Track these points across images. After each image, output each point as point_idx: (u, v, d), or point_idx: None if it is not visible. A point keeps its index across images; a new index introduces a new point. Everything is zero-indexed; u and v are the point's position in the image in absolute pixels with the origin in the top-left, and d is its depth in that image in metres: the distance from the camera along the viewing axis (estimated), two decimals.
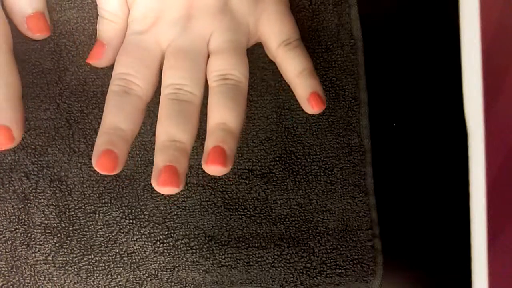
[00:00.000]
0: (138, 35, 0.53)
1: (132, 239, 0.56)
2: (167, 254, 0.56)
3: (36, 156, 0.55)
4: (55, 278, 0.55)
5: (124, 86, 0.51)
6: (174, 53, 0.52)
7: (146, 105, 0.52)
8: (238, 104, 0.50)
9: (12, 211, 0.55)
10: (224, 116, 0.50)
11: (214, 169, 0.49)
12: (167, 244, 0.56)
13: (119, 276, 0.56)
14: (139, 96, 0.51)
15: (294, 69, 0.53)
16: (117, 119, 0.50)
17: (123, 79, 0.51)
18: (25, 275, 0.55)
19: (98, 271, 0.56)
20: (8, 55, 0.52)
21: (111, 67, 0.55)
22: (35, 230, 0.55)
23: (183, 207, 0.56)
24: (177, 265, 0.56)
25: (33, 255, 0.55)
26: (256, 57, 0.56)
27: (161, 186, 0.48)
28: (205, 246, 0.56)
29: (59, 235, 0.55)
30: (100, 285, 0.56)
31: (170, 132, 0.49)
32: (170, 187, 0.48)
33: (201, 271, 0.56)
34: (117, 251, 0.56)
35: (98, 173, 0.55)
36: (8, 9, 0.54)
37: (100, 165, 0.49)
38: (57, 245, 0.55)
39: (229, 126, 0.49)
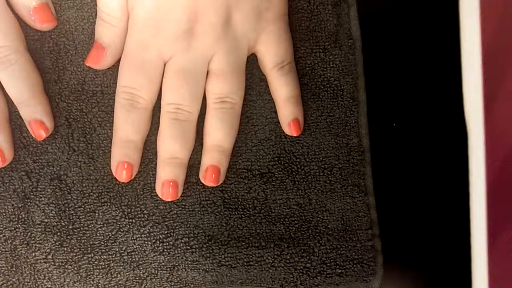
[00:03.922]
0: (140, 46, 0.54)
1: (132, 238, 0.56)
2: (167, 253, 0.56)
3: (37, 155, 0.56)
4: (55, 277, 0.56)
5: (130, 99, 0.54)
6: (175, 73, 0.54)
7: (151, 112, 0.55)
8: (233, 127, 0.56)
9: (12, 210, 0.55)
10: (220, 138, 0.55)
11: (209, 184, 0.56)
12: (167, 243, 0.56)
13: (119, 275, 0.56)
14: (145, 108, 0.55)
15: (283, 95, 0.56)
16: (127, 132, 0.55)
17: (129, 92, 0.54)
18: (25, 274, 0.56)
19: (98, 270, 0.56)
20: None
21: (109, 67, 0.55)
22: (35, 229, 0.55)
23: (183, 206, 0.56)
24: (176, 264, 0.56)
25: (33, 254, 0.55)
26: (255, 57, 0.56)
27: (163, 197, 0.56)
28: (204, 246, 0.56)
29: (59, 234, 0.56)
30: (100, 284, 0.56)
31: (171, 150, 0.55)
32: (171, 198, 0.55)
33: (201, 270, 0.56)
34: (116, 250, 0.56)
35: (97, 172, 0.56)
36: (13, 3, 0.54)
37: (119, 175, 0.55)
38: (57, 244, 0.56)
39: (224, 147, 0.56)
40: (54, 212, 0.55)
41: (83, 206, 0.56)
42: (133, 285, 0.56)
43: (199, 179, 0.56)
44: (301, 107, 0.56)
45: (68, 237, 0.56)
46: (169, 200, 0.55)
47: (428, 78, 0.57)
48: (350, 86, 0.56)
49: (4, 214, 0.55)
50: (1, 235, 0.55)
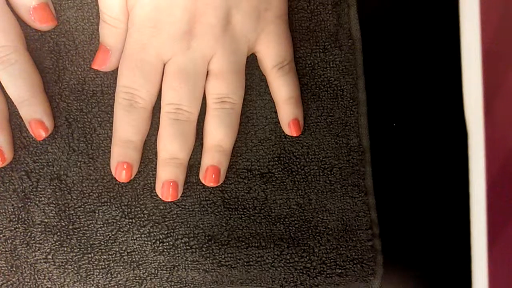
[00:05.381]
0: (140, 46, 0.54)
1: (132, 238, 0.56)
2: (167, 253, 0.56)
3: (37, 155, 0.56)
4: (55, 277, 0.56)
5: (129, 100, 0.54)
6: (175, 73, 0.54)
7: (151, 112, 0.55)
8: (232, 128, 0.56)
9: (12, 210, 0.55)
10: (220, 138, 0.55)
11: (209, 184, 0.56)
12: (167, 243, 0.56)
13: (119, 275, 0.56)
14: (144, 108, 0.55)
15: (283, 95, 0.56)
16: (126, 133, 0.55)
17: (128, 93, 0.54)
18: (25, 274, 0.56)
19: (98, 270, 0.56)
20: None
21: None
22: (35, 229, 0.55)
23: (183, 206, 0.56)
24: (176, 264, 0.56)
25: (33, 254, 0.55)
26: (255, 57, 0.56)
27: (163, 197, 0.55)
28: (204, 246, 0.56)
29: (59, 233, 0.56)
30: (100, 284, 0.56)
31: (171, 150, 0.55)
32: (171, 199, 0.55)
33: (200, 270, 0.56)
34: (116, 250, 0.56)
35: (97, 172, 0.56)
36: (13, 3, 0.54)
37: (118, 176, 0.55)
38: (57, 243, 0.56)
39: (224, 147, 0.56)
40: (54, 212, 0.55)
41: (83, 206, 0.56)
42: (133, 285, 0.56)
43: (199, 179, 0.56)
44: (301, 107, 0.56)
45: (68, 237, 0.56)
46: (169, 200, 0.55)
47: (428, 78, 0.57)
48: (350, 86, 0.56)
49: (4, 214, 0.55)
50: (1, 235, 0.56)
